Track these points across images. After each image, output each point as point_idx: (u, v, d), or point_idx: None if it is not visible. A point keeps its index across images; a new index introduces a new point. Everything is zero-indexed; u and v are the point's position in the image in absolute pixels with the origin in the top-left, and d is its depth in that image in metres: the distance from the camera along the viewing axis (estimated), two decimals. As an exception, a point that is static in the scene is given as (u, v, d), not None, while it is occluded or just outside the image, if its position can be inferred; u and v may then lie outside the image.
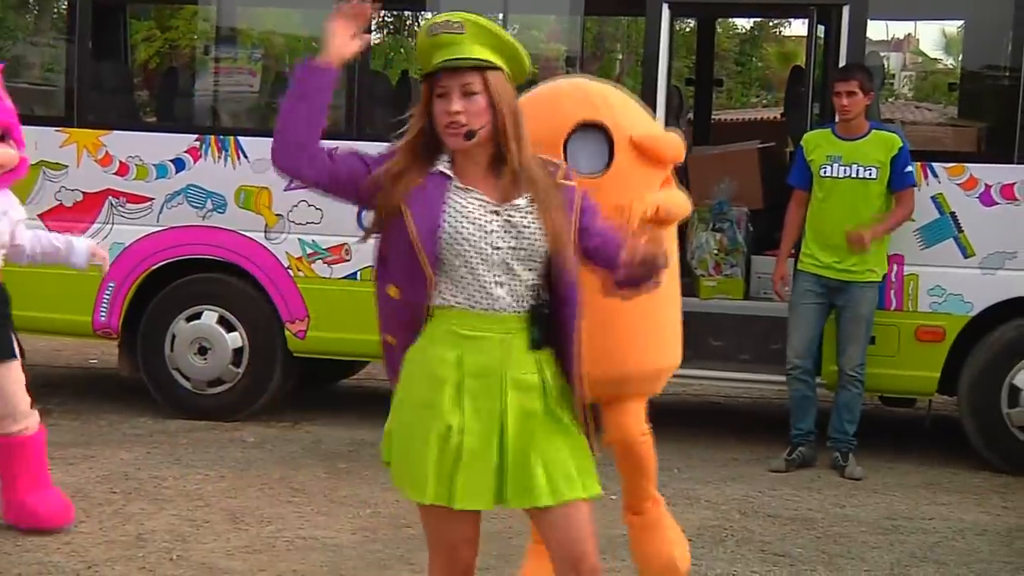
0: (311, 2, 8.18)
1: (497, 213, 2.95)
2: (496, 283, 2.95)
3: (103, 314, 7.27)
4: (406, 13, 11.50)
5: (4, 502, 5.06)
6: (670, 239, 4.30)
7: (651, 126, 4.32)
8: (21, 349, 5.15)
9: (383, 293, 3.03)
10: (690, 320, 6.95)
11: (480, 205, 2.95)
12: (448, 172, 2.97)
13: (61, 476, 5.86)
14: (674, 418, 8.10)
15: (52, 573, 4.58)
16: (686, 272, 7.39)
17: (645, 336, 4.23)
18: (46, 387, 8.13)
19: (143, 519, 5.28)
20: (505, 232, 2.94)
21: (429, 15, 8.35)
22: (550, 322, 3.01)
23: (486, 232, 2.94)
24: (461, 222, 2.93)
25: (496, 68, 2.95)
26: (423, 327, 3.00)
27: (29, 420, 5.03)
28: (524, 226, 2.95)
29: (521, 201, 2.96)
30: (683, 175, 7.39)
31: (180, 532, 5.12)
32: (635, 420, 4.28)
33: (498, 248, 2.94)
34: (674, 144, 4.23)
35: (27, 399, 5.05)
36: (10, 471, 5.02)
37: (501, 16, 7.96)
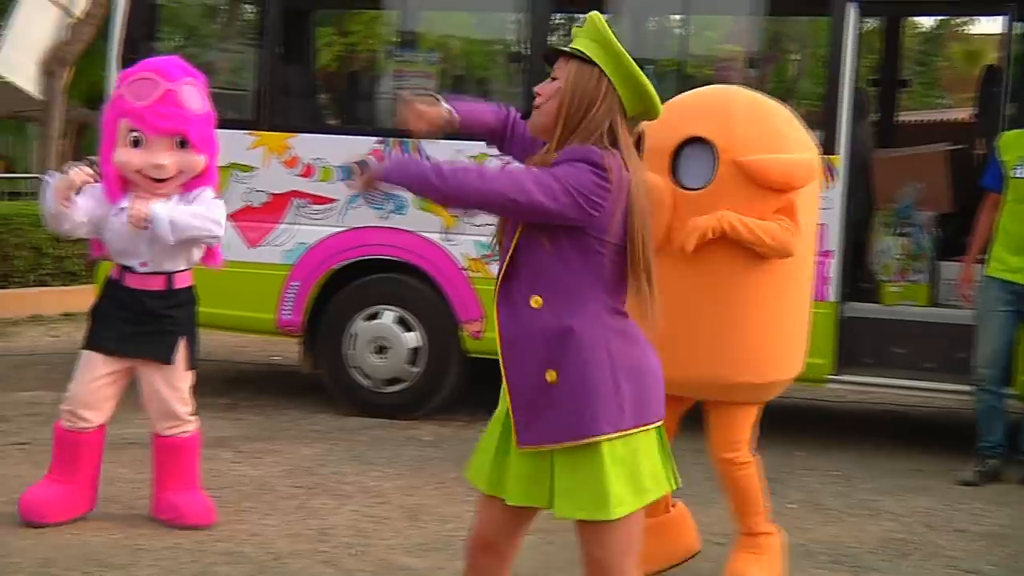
0: (485, 5, 8.30)
1: None
2: None
3: (287, 312, 7.45)
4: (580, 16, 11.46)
5: (154, 499, 5.21)
6: (804, 257, 4.32)
7: (775, 147, 4.22)
8: (194, 356, 5.26)
9: None
10: (873, 326, 6.91)
11: None
12: None
13: (248, 470, 6.05)
14: (855, 427, 7.94)
15: (240, 563, 4.70)
16: (868, 278, 7.24)
17: (765, 345, 4.26)
18: (232, 382, 8.42)
19: (325, 514, 5.39)
20: None
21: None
22: None
23: None
24: None
25: (587, 62, 3.04)
26: None
27: (184, 425, 5.18)
28: None
29: None
30: (868, 178, 7.27)
31: (361, 528, 5.21)
32: (735, 443, 4.33)
33: None
34: (783, 169, 4.18)
35: (184, 405, 5.17)
36: (161, 470, 5.17)
37: (681, 17, 7.93)
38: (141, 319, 5.01)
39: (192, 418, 5.20)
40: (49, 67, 11.02)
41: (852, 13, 6.70)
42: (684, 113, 4.28)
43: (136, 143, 4.94)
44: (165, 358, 5.06)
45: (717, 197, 4.14)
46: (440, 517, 5.39)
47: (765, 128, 4.25)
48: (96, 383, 5.02)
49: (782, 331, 4.33)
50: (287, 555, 4.82)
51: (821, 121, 6.75)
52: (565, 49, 3.08)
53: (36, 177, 16.49)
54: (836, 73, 6.74)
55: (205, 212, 5.00)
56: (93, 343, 5.06)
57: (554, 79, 3.08)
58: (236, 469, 6.06)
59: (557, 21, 9.61)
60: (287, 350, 9.35)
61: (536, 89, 3.11)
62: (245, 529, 5.11)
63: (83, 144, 22.87)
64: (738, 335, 4.21)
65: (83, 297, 7.87)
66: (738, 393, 4.29)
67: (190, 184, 5.06)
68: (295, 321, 7.47)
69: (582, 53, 3.05)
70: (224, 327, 7.88)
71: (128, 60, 6.93)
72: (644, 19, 8.74)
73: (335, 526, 5.22)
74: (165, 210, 4.91)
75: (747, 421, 4.38)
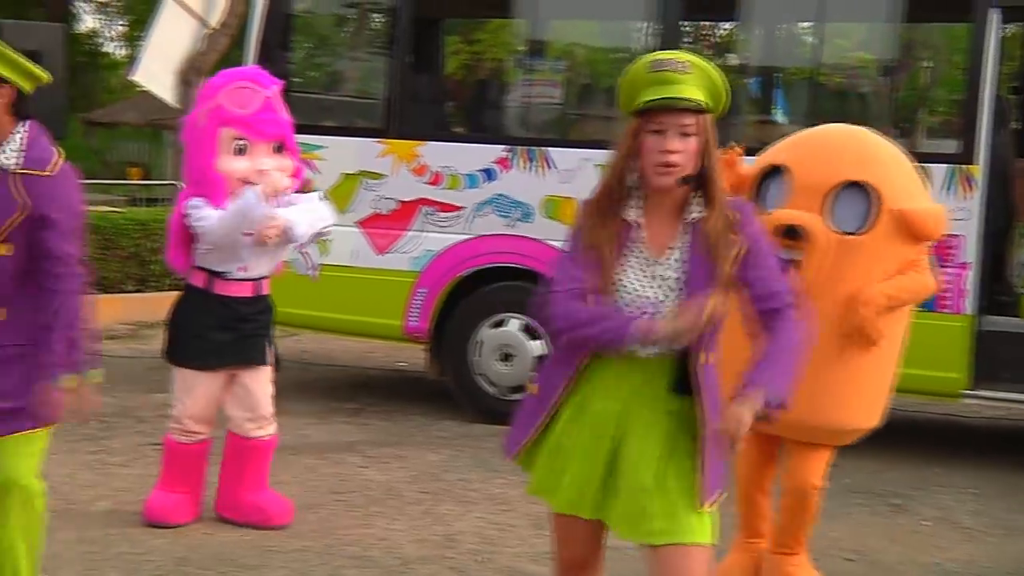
0: (614, 13, 8.27)
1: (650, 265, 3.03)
2: None
3: (414, 319, 7.51)
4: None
5: (222, 497, 5.26)
6: (899, 319, 4.32)
7: (918, 196, 4.29)
8: (276, 359, 5.33)
9: None
10: (1011, 340, 6.71)
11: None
12: (638, 220, 3.03)
13: (375, 474, 6.10)
14: (991, 443, 7.72)
15: (368, 567, 4.75)
16: (1007, 290, 7.04)
17: (854, 393, 4.29)
18: (359, 387, 8.52)
19: (451, 520, 5.41)
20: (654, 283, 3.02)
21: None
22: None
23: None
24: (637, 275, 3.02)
25: (709, 112, 2.97)
26: None
27: (269, 426, 5.24)
28: (665, 277, 3.01)
29: (676, 254, 3.01)
30: (1008, 187, 7.06)
31: (487, 535, 5.22)
32: (815, 471, 4.35)
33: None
34: (937, 220, 4.25)
35: (270, 406, 5.24)
36: (239, 470, 5.22)
37: (813, 24, 7.80)
38: (232, 326, 5.07)
39: (273, 420, 5.27)
40: (185, 76, 11.25)
41: (994, 18, 6.52)
42: (835, 153, 4.30)
43: (241, 151, 5.02)
44: (261, 360, 5.15)
45: (871, 243, 4.18)
46: (566, 526, 5.36)
47: (910, 176, 4.34)
48: (205, 399, 5.12)
49: (876, 380, 4.37)
50: (414, 560, 4.85)
51: (959, 130, 6.59)
52: (695, 104, 2.92)
53: (172, 184, 16.92)
54: (976, 80, 6.57)
55: (314, 206, 5.13)
56: (192, 361, 5.06)
57: (687, 136, 2.93)
58: (363, 473, 6.12)
59: (686, 28, 9.52)
60: (413, 356, 9.42)
61: (673, 148, 2.92)
62: (373, 534, 5.16)
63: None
64: (864, 382, 4.29)
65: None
66: (821, 436, 4.33)
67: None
68: (422, 327, 7.52)
69: (707, 106, 2.95)
70: (351, 333, 8.00)
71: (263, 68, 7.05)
72: (775, 27, 8.63)
73: (461, 532, 5.24)
74: (293, 215, 5.01)
75: (823, 464, 4.40)
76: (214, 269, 5.05)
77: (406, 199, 7.48)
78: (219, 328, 5.04)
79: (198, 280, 5.09)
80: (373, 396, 8.17)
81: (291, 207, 5.08)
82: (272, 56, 7.55)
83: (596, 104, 8.32)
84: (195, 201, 4.97)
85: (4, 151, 3.60)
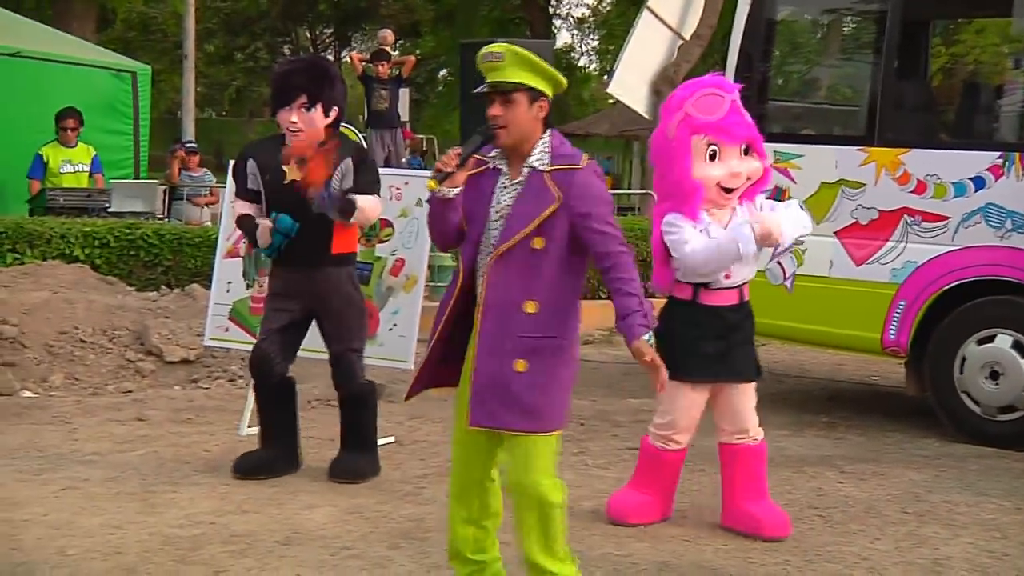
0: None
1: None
2: None
3: (892, 332, 7.24)
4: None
5: (723, 508, 5.26)
6: None
7: None
8: (758, 368, 5.24)
9: None
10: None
11: None
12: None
13: (851, 491, 5.94)
14: None
15: (854, 587, 4.64)
16: None
17: None
18: (831, 400, 8.34)
19: (938, 544, 5.17)
20: None
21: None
22: None
23: None
24: None
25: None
26: None
27: (757, 432, 5.21)
28: None
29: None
30: None
31: (978, 562, 4.94)
32: None
33: None
34: None
35: (755, 419, 5.21)
36: (730, 479, 5.21)
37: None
38: (721, 335, 5.07)
39: (759, 428, 5.22)
40: (657, 87, 11.48)
41: None
42: None
43: (712, 156, 5.04)
44: (750, 376, 5.14)
45: None
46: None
47: None
48: (690, 411, 5.17)
49: None
50: (901, 583, 4.68)
51: None
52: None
53: (642, 193, 17.34)
54: None
55: (795, 213, 5.13)
56: (680, 373, 4.95)
57: None
58: (841, 489, 5.97)
59: None
60: (885, 370, 9.13)
61: None
62: (854, 552, 5.02)
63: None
64: None
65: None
66: None
67: (748, 191, 5.15)
68: (901, 342, 7.24)
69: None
70: (826, 345, 7.85)
71: (742, 77, 7.07)
72: None
73: (950, 558, 4.99)
74: (781, 221, 4.99)
75: None
76: (699, 282, 5.10)
77: (887, 208, 7.23)
78: (708, 339, 5.07)
79: (683, 293, 5.14)
80: (846, 410, 7.97)
81: (775, 211, 5.08)
82: (752, 64, 7.55)
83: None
84: (672, 218, 5.05)
85: (536, 155, 3.94)
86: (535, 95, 3.91)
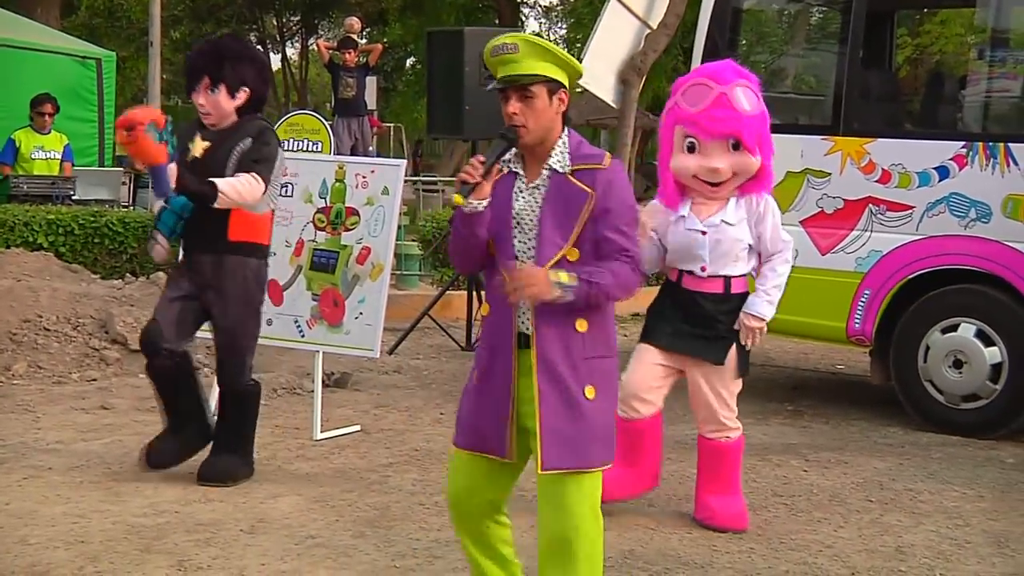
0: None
1: None
2: None
3: (857, 321, 7.28)
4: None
5: (696, 499, 5.26)
6: None
7: None
8: (745, 365, 5.18)
9: None
10: None
11: None
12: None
13: (816, 479, 5.98)
14: None
15: (816, 574, 4.66)
16: None
17: None
18: (796, 389, 8.38)
19: (901, 531, 5.21)
20: None
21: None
22: None
23: None
24: None
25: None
26: None
27: (733, 430, 5.16)
28: None
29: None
30: None
31: (941, 550, 4.98)
32: None
33: None
34: None
35: (727, 411, 5.13)
36: (705, 472, 5.20)
37: None
38: (697, 320, 5.06)
39: (736, 424, 5.18)
40: (624, 76, 11.46)
41: None
42: None
43: (691, 148, 5.03)
44: (716, 358, 5.07)
45: None
46: (1028, 547, 5.04)
47: None
48: (646, 374, 5.13)
49: None
50: (864, 570, 4.71)
51: None
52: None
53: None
54: None
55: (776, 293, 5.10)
56: (647, 337, 5.16)
57: None
58: (806, 477, 6.01)
59: None
60: (850, 358, 9.18)
61: None
62: (818, 540, 5.05)
63: (647, 149, 23.84)
64: None
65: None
66: None
67: (746, 187, 5.09)
68: (865, 330, 7.28)
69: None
70: (792, 333, 7.86)
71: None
72: None
73: (912, 545, 5.03)
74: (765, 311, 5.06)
75: None
76: (681, 268, 5.12)
77: (852, 198, 7.27)
78: (682, 319, 5.08)
79: (672, 274, 5.19)
80: (811, 398, 8.01)
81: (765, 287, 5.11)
82: (718, 54, 7.54)
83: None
84: (652, 203, 5.08)
85: (555, 155, 3.60)
86: (554, 87, 3.54)
